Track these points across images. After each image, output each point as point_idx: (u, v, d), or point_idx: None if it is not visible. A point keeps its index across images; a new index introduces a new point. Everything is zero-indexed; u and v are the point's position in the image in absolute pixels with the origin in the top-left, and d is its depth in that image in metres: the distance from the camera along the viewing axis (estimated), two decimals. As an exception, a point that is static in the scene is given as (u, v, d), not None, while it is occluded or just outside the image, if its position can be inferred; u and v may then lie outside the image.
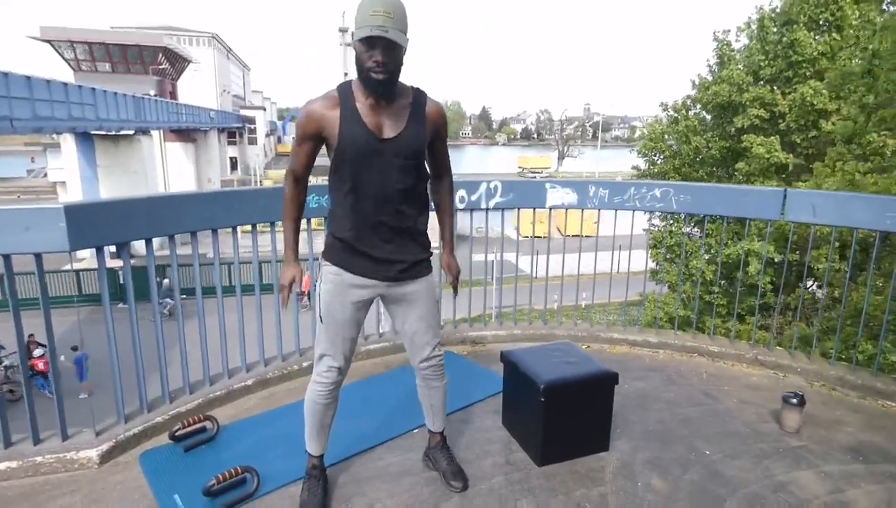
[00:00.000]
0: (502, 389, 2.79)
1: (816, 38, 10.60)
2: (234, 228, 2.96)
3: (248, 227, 3.08)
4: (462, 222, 4.88)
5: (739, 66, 12.14)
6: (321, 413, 2.14)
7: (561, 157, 71.40)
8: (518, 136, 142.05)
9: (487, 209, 3.67)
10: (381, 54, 1.75)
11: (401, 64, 1.83)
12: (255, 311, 3.05)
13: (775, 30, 11.69)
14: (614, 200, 3.60)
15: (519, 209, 3.72)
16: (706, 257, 11.08)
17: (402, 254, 2.03)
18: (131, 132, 22.87)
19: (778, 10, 11.72)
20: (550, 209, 3.70)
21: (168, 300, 14.67)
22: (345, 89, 1.89)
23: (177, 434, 2.57)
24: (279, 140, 68.64)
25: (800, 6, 10.65)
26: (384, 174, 1.90)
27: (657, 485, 2.35)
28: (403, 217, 1.98)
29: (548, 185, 3.66)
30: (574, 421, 2.49)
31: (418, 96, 1.96)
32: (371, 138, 1.87)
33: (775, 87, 11.21)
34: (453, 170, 2.27)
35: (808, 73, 10.69)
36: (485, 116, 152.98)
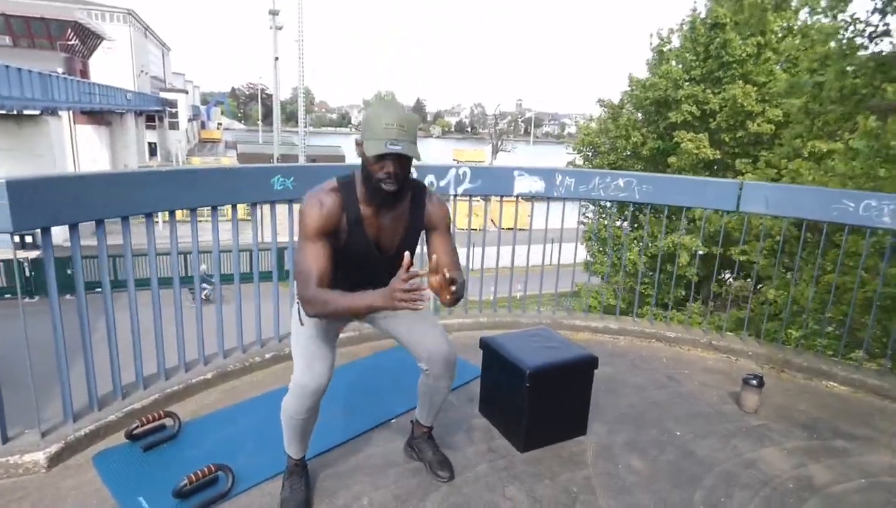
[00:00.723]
0: (480, 376, 2.76)
1: (743, 41, 11.32)
2: (194, 211, 2.75)
3: (208, 213, 2.86)
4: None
5: (675, 64, 12.75)
6: (302, 426, 1.98)
7: (495, 151, 72.46)
8: (452, 129, 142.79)
9: (456, 195, 3.62)
10: (392, 166, 1.69)
11: (409, 174, 1.77)
12: (215, 302, 2.85)
13: (703, 31, 12.36)
14: (580, 189, 3.65)
15: (490, 197, 3.70)
16: (637, 249, 11.61)
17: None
18: (37, 112, 20.88)
19: (704, 15, 12.41)
20: (518, 197, 3.70)
21: (205, 285, 12.83)
22: (348, 192, 1.80)
23: (134, 432, 2.36)
24: (203, 125, 65.19)
25: (727, 10, 11.32)
26: (374, 274, 1.84)
27: (637, 466, 2.41)
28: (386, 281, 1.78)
29: (516, 173, 3.66)
30: (556, 406, 2.50)
31: (418, 195, 1.90)
32: (371, 250, 1.85)
33: (706, 87, 11.88)
34: None
35: (735, 74, 11.42)
36: (419, 108, 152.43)
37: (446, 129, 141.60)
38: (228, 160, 40.54)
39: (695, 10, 12.75)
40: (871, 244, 3.69)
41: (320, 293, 1.71)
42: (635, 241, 12.17)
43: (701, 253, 10.30)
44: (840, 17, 5.81)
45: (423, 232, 1.97)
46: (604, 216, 13.85)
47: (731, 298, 8.72)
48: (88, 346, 2.39)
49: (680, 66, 12.80)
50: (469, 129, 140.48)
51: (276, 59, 36.19)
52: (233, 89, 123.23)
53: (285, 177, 3.04)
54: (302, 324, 1.94)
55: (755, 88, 10.97)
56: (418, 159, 1.73)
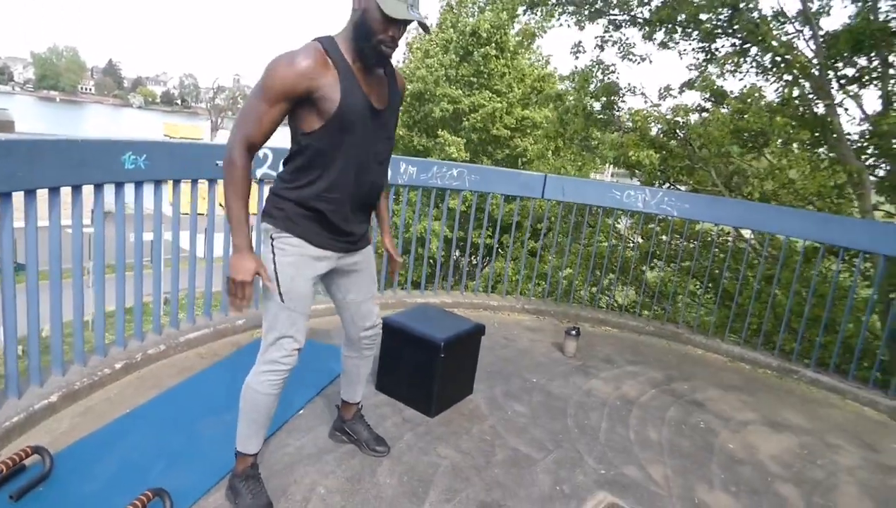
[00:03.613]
0: (379, 355, 2.90)
1: (496, 58, 13.07)
2: (31, 193, 2.18)
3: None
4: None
5: (437, 61, 13.85)
6: (271, 404, 1.92)
7: (214, 129, 66.63)
8: (158, 100, 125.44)
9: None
10: (398, 31, 1.71)
11: None
12: (47, 303, 2.32)
13: (465, 36, 13.71)
14: (421, 177, 3.98)
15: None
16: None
17: (359, 227, 1.98)
18: None
19: (464, 21, 13.83)
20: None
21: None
22: (332, 47, 1.73)
23: (-4, 481, 1.84)
24: None
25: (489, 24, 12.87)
26: (371, 144, 1.83)
27: (521, 410, 2.92)
28: (376, 189, 1.95)
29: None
30: (457, 372, 2.83)
31: (387, 65, 1.94)
32: (368, 106, 1.78)
33: (457, 88, 13.31)
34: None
35: (484, 84, 13.15)
36: (112, 71, 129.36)
37: (151, 99, 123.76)
38: None
39: (452, 10, 14.10)
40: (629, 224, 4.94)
41: (237, 168, 1.69)
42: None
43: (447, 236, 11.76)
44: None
45: None
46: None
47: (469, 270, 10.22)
48: None
49: (438, 63, 13.94)
50: (179, 102, 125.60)
51: None
52: None
53: (137, 155, 2.61)
54: (283, 302, 1.84)
55: (499, 97, 12.87)
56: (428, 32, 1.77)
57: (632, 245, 5.99)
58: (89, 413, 2.41)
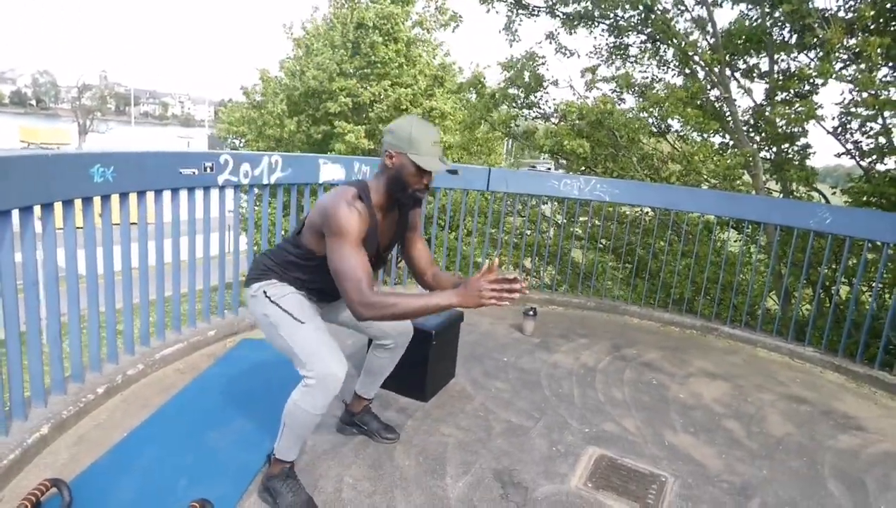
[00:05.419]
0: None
1: (385, 45, 13.07)
2: (7, 214, 2.06)
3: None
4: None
5: (327, 58, 13.63)
6: (318, 420, 1.95)
7: (83, 132, 60.41)
8: (7, 100, 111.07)
9: (269, 185, 3.55)
10: (431, 178, 1.88)
11: None
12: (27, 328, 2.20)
13: (351, 29, 13.64)
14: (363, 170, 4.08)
15: (297, 185, 3.75)
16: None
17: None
18: None
19: (350, 14, 13.71)
20: (323, 184, 3.88)
21: None
22: (367, 197, 1.88)
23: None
24: None
25: (373, 14, 12.85)
26: None
27: (501, 387, 3.16)
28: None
29: (321, 161, 3.82)
30: (443, 358, 3.02)
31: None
32: (376, 248, 1.99)
33: (357, 81, 13.24)
34: None
35: (381, 74, 13.14)
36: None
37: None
38: None
39: (335, 10, 13.93)
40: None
41: (381, 297, 1.75)
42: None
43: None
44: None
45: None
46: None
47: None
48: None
49: (331, 60, 13.76)
50: (34, 102, 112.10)
51: None
52: None
53: (105, 168, 2.51)
54: (303, 323, 1.92)
55: (404, 88, 12.97)
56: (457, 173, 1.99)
57: (558, 225, 6.44)
58: (84, 441, 2.31)
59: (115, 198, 2.64)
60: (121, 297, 2.82)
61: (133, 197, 2.75)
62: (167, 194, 2.98)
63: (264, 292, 1.99)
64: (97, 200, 2.54)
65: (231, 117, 15.69)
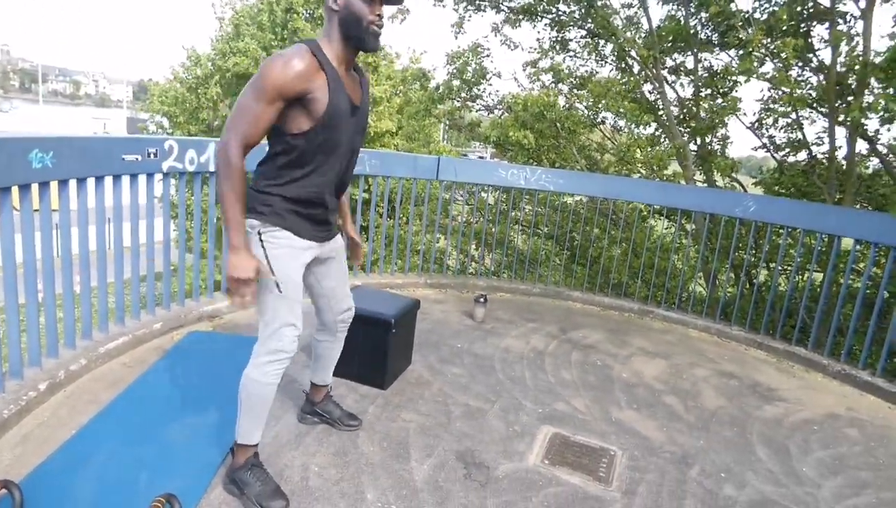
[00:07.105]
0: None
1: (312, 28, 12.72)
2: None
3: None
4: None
5: (252, 42, 13.12)
6: (273, 394, 1.98)
7: (-16, 111, 55.21)
8: None
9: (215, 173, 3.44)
10: (381, 8, 1.83)
11: None
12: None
13: (280, 13, 13.21)
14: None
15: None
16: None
17: (334, 215, 2.12)
18: None
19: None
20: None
21: None
22: (319, 51, 1.82)
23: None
24: None
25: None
26: (351, 138, 1.97)
27: (458, 372, 3.24)
28: (349, 177, 2.09)
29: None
30: (401, 345, 3.06)
31: (356, 64, 2.07)
32: (350, 106, 1.90)
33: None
34: None
35: None
36: None
37: None
38: None
39: None
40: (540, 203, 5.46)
41: (240, 159, 1.75)
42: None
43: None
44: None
45: None
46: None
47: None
48: None
49: (256, 43, 13.25)
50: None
51: None
52: None
53: (44, 153, 2.36)
54: (280, 292, 1.90)
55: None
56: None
57: (503, 213, 6.60)
58: (28, 441, 2.19)
59: (53, 185, 2.49)
60: (60, 285, 2.67)
61: (73, 183, 2.60)
62: (108, 180, 2.83)
63: (259, 233, 1.89)
64: (35, 187, 2.39)
65: (164, 97, 14.88)
